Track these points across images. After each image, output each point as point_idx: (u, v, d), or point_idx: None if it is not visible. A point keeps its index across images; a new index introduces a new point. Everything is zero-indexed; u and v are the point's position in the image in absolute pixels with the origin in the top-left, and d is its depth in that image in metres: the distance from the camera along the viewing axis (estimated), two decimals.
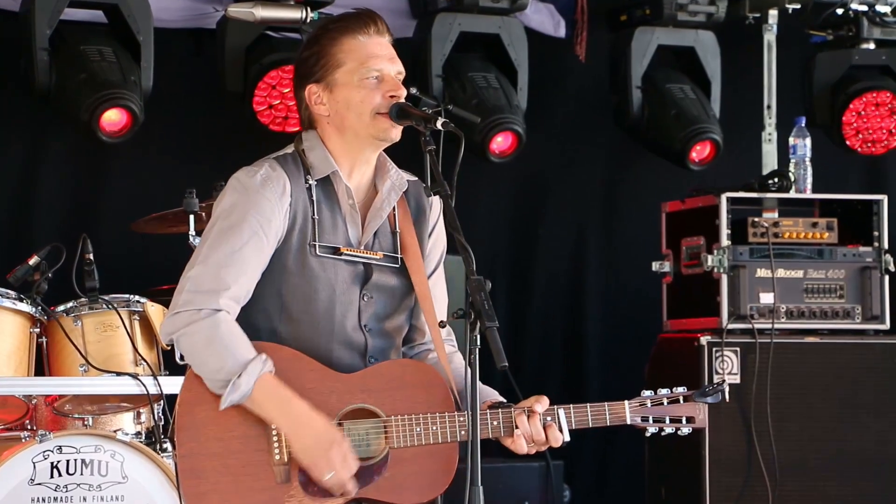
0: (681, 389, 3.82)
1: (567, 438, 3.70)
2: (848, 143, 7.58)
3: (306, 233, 3.71)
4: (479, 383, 3.70)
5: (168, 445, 5.40)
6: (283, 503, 3.61)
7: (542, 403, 3.70)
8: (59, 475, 5.08)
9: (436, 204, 3.87)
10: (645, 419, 3.78)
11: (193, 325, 3.60)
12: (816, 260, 6.78)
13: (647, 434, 3.82)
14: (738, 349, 6.59)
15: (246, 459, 3.61)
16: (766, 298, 6.70)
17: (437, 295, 3.84)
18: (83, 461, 5.12)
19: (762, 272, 6.73)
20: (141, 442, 5.28)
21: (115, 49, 6.53)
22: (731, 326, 6.65)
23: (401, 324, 3.84)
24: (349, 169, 3.78)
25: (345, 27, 3.75)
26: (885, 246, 6.85)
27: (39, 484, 5.06)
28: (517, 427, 3.67)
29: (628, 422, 3.77)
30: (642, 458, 7.07)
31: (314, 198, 3.73)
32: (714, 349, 6.56)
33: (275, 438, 3.62)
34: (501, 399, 3.79)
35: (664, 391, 3.82)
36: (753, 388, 6.55)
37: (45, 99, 6.51)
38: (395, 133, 3.73)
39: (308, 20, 6.66)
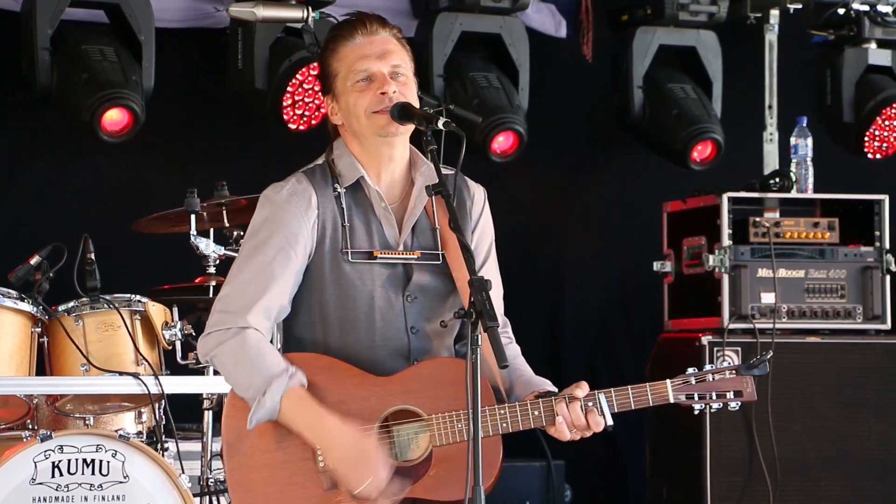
0: (726, 363, 3.78)
1: (610, 422, 3.70)
2: (866, 148, 7.57)
3: (337, 241, 3.73)
4: (532, 375, 3.80)
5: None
6: None
7: (582, 389, 3.71)
8: (61, 475, 5.08)
9: (478, 195, 3.88)
10: (690, 397, 3.73)
11: (222, 345, 3.66)
12: (818, 260, 6.78)
13: (695, 411, 3.78)
14: (739, 349, 6.58)
15: (292, 469, 3.66)
16: (768, 298, 6.70)
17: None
18: (84, 461, 5.11)
19: (763, 272, 6.73)
20: (142, 441, 5.28)
21: (116, 49, 6.54)
22: (732, 326, 6.65)
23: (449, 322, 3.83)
24: (376, 171, 3.79)
25: (338, 35, 3.78)
26: (887, 246, 6.85)
27: (41, 483, 5.06)
28: (557, 415, 3.68)
29: (671, 401, 3.73)
30: (644, 457, 7.07)
31: (343, 205, 3.75)
32: (715, 349, 6.56)
33: (318, 446, 3.66)
34: (552, 389, 3.79)
35: (708, 367, 3.79)
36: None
37: (47, 98, 6.51)
38: (395, 128, 3.72)
39: (309, 20, 6.65)
